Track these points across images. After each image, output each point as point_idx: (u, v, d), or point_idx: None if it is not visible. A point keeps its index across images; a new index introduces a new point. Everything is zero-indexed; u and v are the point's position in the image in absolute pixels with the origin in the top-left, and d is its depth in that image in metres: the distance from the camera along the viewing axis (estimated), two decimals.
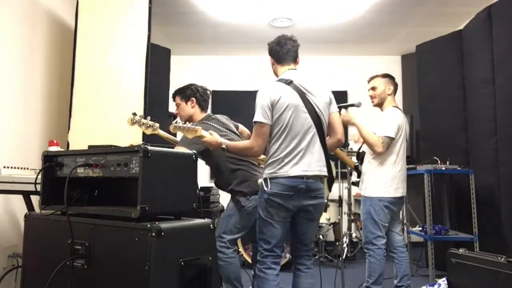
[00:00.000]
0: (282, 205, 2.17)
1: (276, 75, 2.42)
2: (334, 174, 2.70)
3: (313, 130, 2.24)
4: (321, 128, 2.27)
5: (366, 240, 2.97)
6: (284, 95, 2.22)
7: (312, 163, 2.21)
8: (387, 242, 3.00)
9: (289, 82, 2.27)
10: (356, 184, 3.21)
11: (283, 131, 2.22)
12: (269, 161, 2.24)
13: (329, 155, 2.36)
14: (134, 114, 2.51)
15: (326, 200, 2.34)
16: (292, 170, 2.18)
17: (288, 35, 2.43)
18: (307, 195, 2.21)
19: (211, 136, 2.40)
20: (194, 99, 2.86)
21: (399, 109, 3.08)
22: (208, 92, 2.97)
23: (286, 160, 2.19)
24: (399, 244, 3.05)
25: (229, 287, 2.69)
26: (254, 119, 2.24)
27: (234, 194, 2.69)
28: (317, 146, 2.25)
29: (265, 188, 2.20)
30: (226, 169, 2.68)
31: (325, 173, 2.29)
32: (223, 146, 2.36)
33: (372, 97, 3.13)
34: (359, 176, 3.14)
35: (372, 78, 3.16)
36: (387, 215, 2.93)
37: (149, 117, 2.55)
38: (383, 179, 2.93)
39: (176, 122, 2.42)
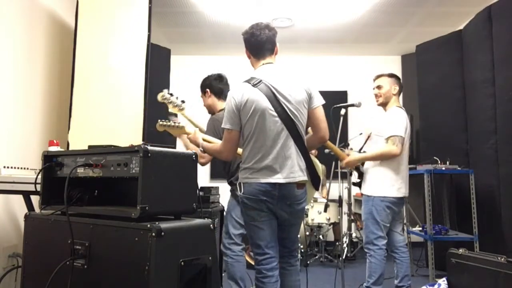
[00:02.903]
0: (257, 208, 2.11)
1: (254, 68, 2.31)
2: (331, 175, 2.65)
3: (285, 133, 2.11)
4: (296, 130, 2.14)
5: (367, 240, 2.95)
6: (251, 98, 2.10)
7: (285, 169, 2.10)
8: (389, 242, 2.99)
9: (257, 83, 2.13)
10: (357, 184, 3.18)
11: (251, 137, 2.13)
12: (242, 167, 2.18)
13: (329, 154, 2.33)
14: (166, 90, 2.52)
15: (305, 205, 2.26)
16: (264, 178, 2.09)
17: (264, 23, 2.26)
18: (282, 202, 2.12)
19: (193, 134, 2.37)
20: (208, 90, 2.89)
21: (403, 109, 3.05)
22: (223, 76, 2.93)
23: (257, 168, 2.11)
24: (400, 244, 3.03)
25: (233, 285, 2.69)
26: (221, 125, 2.20)
27: (233, 186, 2.73)
28: (291, 150, 2.12)
29: (239, 192, 2.15)
30: (235, 162, 2.72)
31: (302, 178, 2.15)
32: (200, 148, 2.32)
33: (377, 96, 3.08)
34: (360, 176, 3.11)
35: (378, 77, 3.11)
36: (388, 216, 2.91)
37: (178, 97, 2.56)
38: (386, 179, 2.91)
39: (161, 121, 2.41)
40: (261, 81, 2.14)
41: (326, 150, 3.36)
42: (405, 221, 4.39)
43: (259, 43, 2.22)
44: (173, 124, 2.39)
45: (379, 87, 3.07)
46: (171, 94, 2.53)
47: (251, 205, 2.12)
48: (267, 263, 2.14)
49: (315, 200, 4.78)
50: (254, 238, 2.17)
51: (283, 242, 2.27)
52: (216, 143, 2.34)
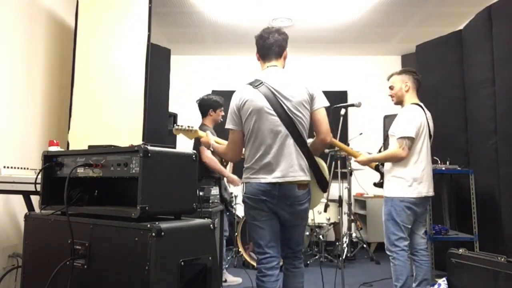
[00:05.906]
0: (258, 207, 2.14)
1: None
2: (331, 175, 2.63)
3: (285, 133, 2.13)
4: (296, 130, 2.14)
5: (388, 242, 2.83)
6: (250, 99, 2.15)
7: (284, 168, 2.11)
8: (409, 244, 2.87)
9: (258, 85, 2.18)
10: (378, 185, 3.09)
11: (250, 136, 2.17)
12: (244, 166, 2.22)
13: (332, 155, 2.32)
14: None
15: (307, 205, 2.26)
16: (264, 177, 2.12)
17: (275, 27, 2.31)
18: (283, 202, 2.13)
19: (206, 137, 2.49)
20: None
21: (420, 105, 2.94)
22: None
23: (257, 168, 2.14)
24: (421, 247, 2.92)
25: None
26: (225, 126, 2.26)
27: None
28: (291, 149, 2.14)
29: (242, 192, 2.21)
30: None
31: (302, 178, 2.15)
32: (211, 148, 2.42)
33: (391, 97, 3.04)
34: (382, 177, 3.04)
35: (390, 77, 3.07)
36: (409, 216, 2.80)
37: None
38: (405, 179, 2.80)
39: (176, 125, 2.51)
40: (262, 82, 2.18)
41: (326, 150, 3.35)
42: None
43: (266, 46, 2.27)
44: (186, 128, 2.53)
45: (391, 87, 3.03)
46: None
47: (252, 205, 2.15)
48: (267, 262, 2.16)
49: None
50: (255, 237, 2.20)
51: (287, 243, 2.28)
52: (226, 144, 2.40)
